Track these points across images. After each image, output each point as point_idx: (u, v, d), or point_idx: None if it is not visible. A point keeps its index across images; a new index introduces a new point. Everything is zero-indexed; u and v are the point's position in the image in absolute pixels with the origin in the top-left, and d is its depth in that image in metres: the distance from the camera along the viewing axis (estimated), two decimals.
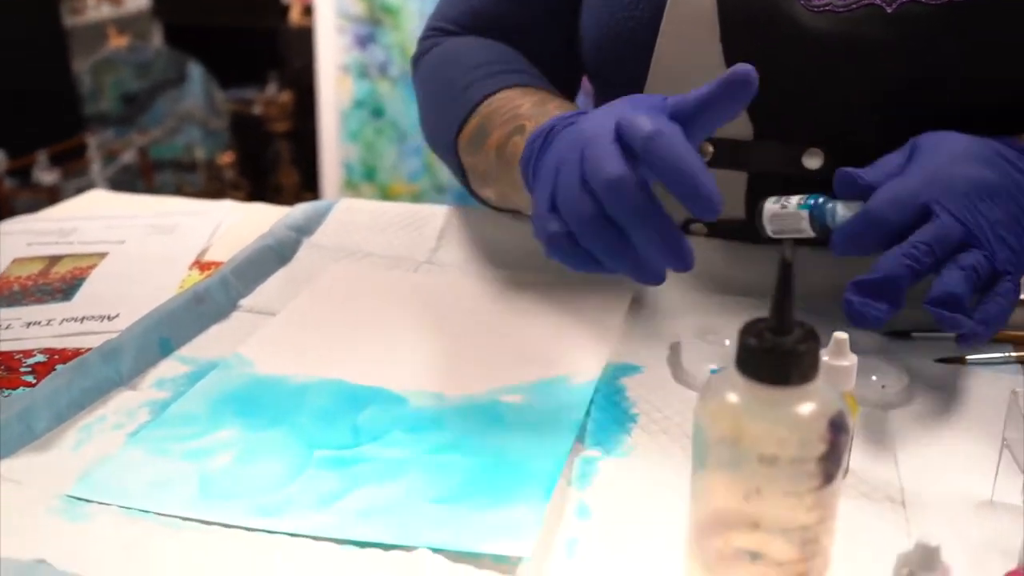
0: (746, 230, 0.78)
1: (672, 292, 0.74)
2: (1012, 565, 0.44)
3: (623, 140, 0.53)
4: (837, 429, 0.37)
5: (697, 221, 0.79)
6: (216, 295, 0.72)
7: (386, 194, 2.92)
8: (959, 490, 0.51)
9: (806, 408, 0.37)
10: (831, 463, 0.37)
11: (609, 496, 0.51)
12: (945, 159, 0.62)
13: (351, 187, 2.97)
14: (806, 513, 0.38)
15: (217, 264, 0.81)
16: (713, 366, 0.62)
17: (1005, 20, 0.67)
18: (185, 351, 0.66)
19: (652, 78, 0.75)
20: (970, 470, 0.53)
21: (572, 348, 0.66)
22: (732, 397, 0.38)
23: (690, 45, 0.72)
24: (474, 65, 0.79)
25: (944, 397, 0.60)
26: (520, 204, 0.73)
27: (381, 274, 0.78)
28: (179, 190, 3.21)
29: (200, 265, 0.81)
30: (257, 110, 3.32)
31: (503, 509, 0.49)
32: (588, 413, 0.58)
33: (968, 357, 0.65)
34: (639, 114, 0.53)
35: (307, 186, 3.21)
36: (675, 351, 0.65)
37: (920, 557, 0.36)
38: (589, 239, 0.53)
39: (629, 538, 0.48)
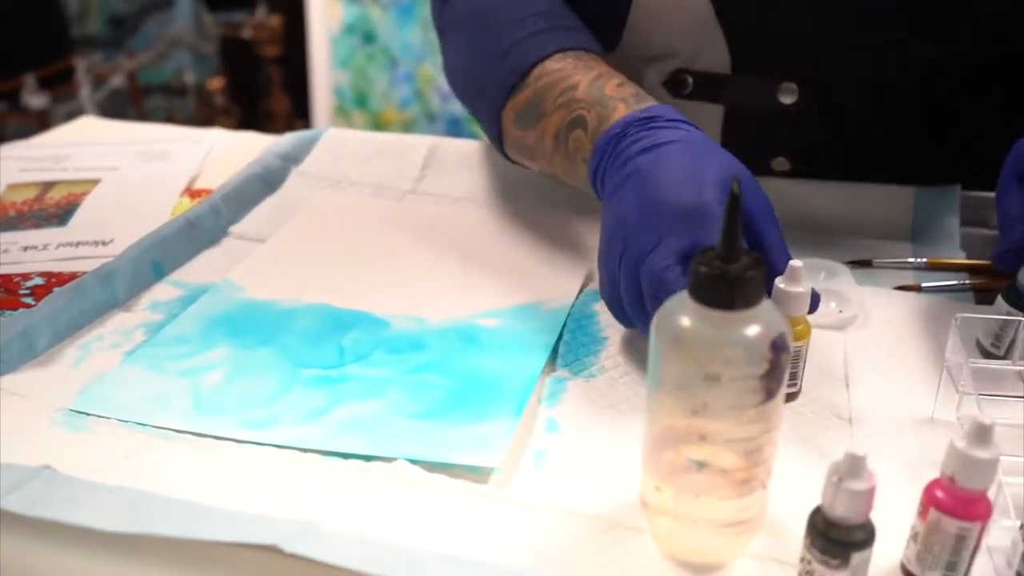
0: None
1: None
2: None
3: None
4: (778, 349, 0.40)
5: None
6: (207, 221, 0.75)
7: (377, 121, 2.91)
8: (903, 409, 0.55)
9: (749, 330, 0.40)
10: (772, 380, 0.40)
11: (576, 413, 0.55)
12: None
13: (342, 114, 2.97)
14: (749, 426, 0.41)
15: (207, 191, 0.83)
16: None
17: None
18: (177, 275, 0.69)
19: (634, 12, 0.76)
20: (915, 390, 0.56)
21: (549, 274, 0.69)
22: (683, 320, 0.41)
23: None
24: (519, 18, 0.72)
25: (898, 322, 0.64)
26: (574, 185, 0.69)
27: (366, 202, 0.81)
28: (169, 115, 3.19)
29: (191, 192, 0.84)
30: (247, 34, 3.28)
31: (476, 425, 0.53)
32: (561, 336, 0.62)
33: (924, 285, 0.68)
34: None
35: (299, 112, 3.20)
36: None
37: (848, 465, 0.39)
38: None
39: (592, 451, 0.52)
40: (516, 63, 0.70)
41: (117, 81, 3.08)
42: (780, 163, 0.79)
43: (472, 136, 2.84)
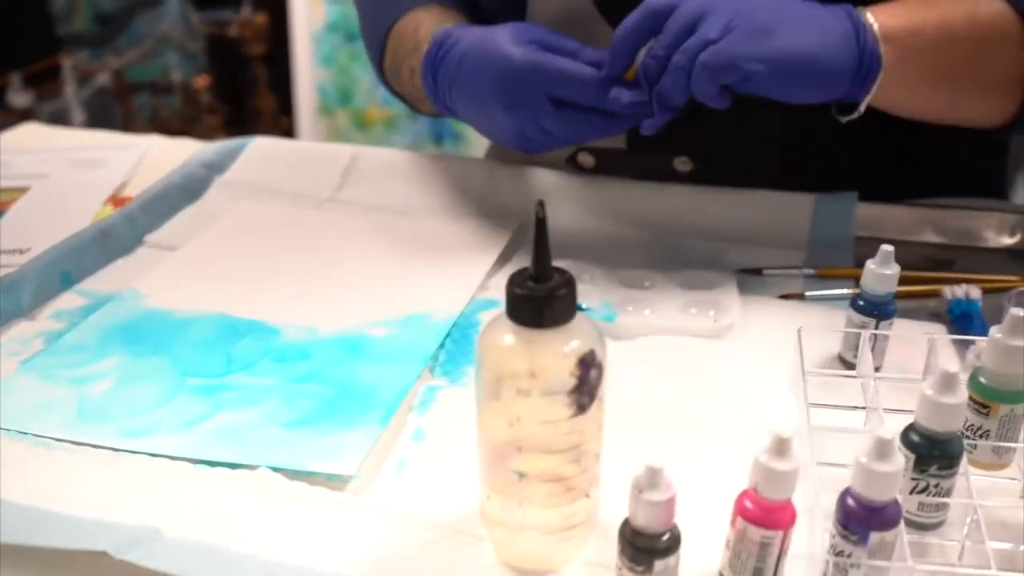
0: (631, 163, 0.83)
1: (557, 227, 0.79)
2: None
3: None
4: (587, 365, 0.42)
5: (584, 151, 0.83)
6: (121, 230, 0.77)
7: (361, 119, 2.93)
8: (760, 417, 0.57)
9: (557, 347, 0.42)
10: (583, 395, 0.42)
11: (443, 421, 0.57)
12: None
13: (326, 112, 2.99)
14: (563, 438, 0.43)
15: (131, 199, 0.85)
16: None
17: None
18: (85, 284, 0.72)
19: (531, 15, 0.78)
20: (775, 399, 0.58)
21: (442, 285, 0.71)
22: (498, 337, 0.43)
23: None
24: None
25: (775, 331, 0.65)
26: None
27: (282, 212, 0.83)
28: (155, 113, 3.22)
29: (115, 200, 0.86)
30: (233, 32, 3.30)
31: (341, 433, 0.55)
32: (443, 346, 0.64)
33: (807, 293, 0.70)
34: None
35: (285, 110, 3.22)
36: None
37: (647, 477, 0.41)
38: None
39: (452, 459, 0.54)
40: (381, 25, 0.83)
41: (103, 79, 3.10)
42: (682, 162, 0.81)
43: (455, 134, 2.84)
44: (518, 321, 0.42)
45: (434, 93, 0.73)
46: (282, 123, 3.17)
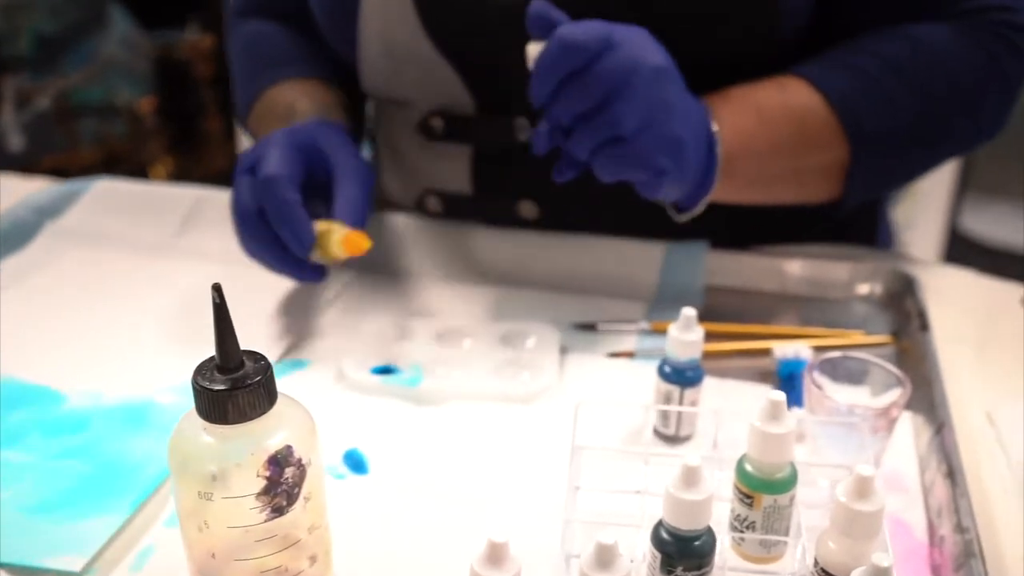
0: (477, 207, 0.79)
1: (397, 274, 0.75)
2: None
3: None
4: (279, 465, 0.38)
5: (431, 194, 0.80)
6: None
7: None
8: (540, 493, 0.53)
9: (241, 445, 0.38)
10: (277, 497, 0.38)
11: None
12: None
13: None
14: (258, 544, 0.39)
15: None
16: (374, 365, 0.63)
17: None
18: None
19: (362, 47, 0.74)
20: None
21: (251, 343, 0.66)
22: (182, 434, 0.39)
23: (390, 18, 0.72)
24: (270, 55, 0.83)
25: (592, 394, 0.62)
26: None
27: (113, 261, 0.78)
28: (100, 137, 3.17)
29: None
30: (181, 54, 3.26)
31: (83, 522, 0.50)
32: None
33: (638, 351, 0.66)
34: (270, 152, 0.65)
35: (233, 133, 3.18)
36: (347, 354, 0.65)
37: (489, 554, 0.37)
38: (251, 228, 0.65)
39: None
40: (250, 90, 0.81)
41: (44, 103, 3.05)
42: (527, 208, 0.77)
43: None
44: (204, 416, 0.38)
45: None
46: (230, 146, 3.12)
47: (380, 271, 0.76)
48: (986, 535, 0.48)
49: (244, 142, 3.01)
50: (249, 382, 0.38)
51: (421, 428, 0.59)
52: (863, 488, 0.39)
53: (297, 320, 0.70)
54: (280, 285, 0.73)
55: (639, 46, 0.58)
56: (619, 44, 0.57)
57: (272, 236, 0.63)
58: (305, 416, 0.40)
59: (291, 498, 0.39)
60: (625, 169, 0.59)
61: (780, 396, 0.43)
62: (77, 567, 0.47)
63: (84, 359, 0.65)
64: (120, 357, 0.66)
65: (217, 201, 0.85)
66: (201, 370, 0.38)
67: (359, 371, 0.62)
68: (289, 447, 0.38)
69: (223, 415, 0.38)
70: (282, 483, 0.38)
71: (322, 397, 0.61)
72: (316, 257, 0.64)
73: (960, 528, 0.48)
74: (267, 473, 0.38)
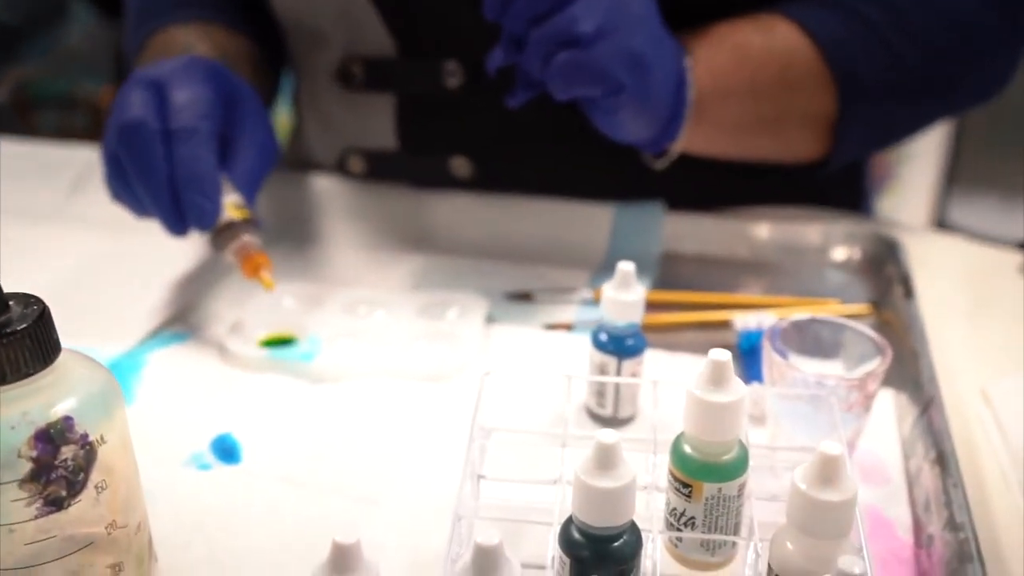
0: (404, 166, 0.70)
1: (315, 240, 0.66)
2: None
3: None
4: (50, 441, 0.29)
5: (354, 153, 0.71)
6: None
7: (280, 128, 2.79)
8: (439, 485, 0.44)
9: None
10: (51, 483, 0.29)
11: None
12: None
13: None
14: (31, 549, 0.29)
15: None
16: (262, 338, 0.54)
17: None
18: None
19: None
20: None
21: (128, 312, 0.57)
22: None
23: None
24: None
25: (525, 366, 0.53)
26: None
27: None
28: (62, 130, 3.06)
29: None
30: None
31: None
32: None
33: (576, 323, 0.57)
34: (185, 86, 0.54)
35: None
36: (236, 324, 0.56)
37: (334, 560, 0.28)
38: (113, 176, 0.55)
39: None
40: (141, 31, 0.69)
41: (2, 94, 2.95)
42: (460, 165, 0.68)
43: None
44: None
45: None
46: None
47: (295, 238, 0.66)
48: (984, 533, 0.39)
49: None
50: (10, 330, 0.28)
51: (312, 410, 0.49)
52: (829, 471, 0.30)
53: (188, 290, 0.60)
54: (177, 254, 0.64)
55: None
56: None
57: (160, 181, 0.52)
58: (101, 380, 0.31)
59: (74, 486, 0.29)
60: (578, 81, 0.50)
61: (724, 355, 0.34)
62: None
63: None
64: None
65: None
66: None
67: (245, 344, 0.53)
68: (68, 419, 0.29)
69: None
70: (57, 466, 0.29)
71: (198, 375, 0.52)
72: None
73: (953, 525, 0.39)
74: (34, 453, 0.28)
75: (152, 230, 0.65)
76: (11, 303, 0.29)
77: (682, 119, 0.56)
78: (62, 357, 0.30)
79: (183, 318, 0.57)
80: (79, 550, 0.30)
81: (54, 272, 0.63)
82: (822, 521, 0.30)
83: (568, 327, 0.57)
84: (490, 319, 0.57)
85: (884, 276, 0.61)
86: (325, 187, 0.70)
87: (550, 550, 0.35)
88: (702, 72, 0.57)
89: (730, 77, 0.58)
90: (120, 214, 0.71)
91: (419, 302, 0.58)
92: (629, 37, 0.50)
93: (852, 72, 0.59)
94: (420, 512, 0.42)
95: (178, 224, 0.53)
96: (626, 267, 0.46)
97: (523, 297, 0.60)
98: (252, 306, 0.57)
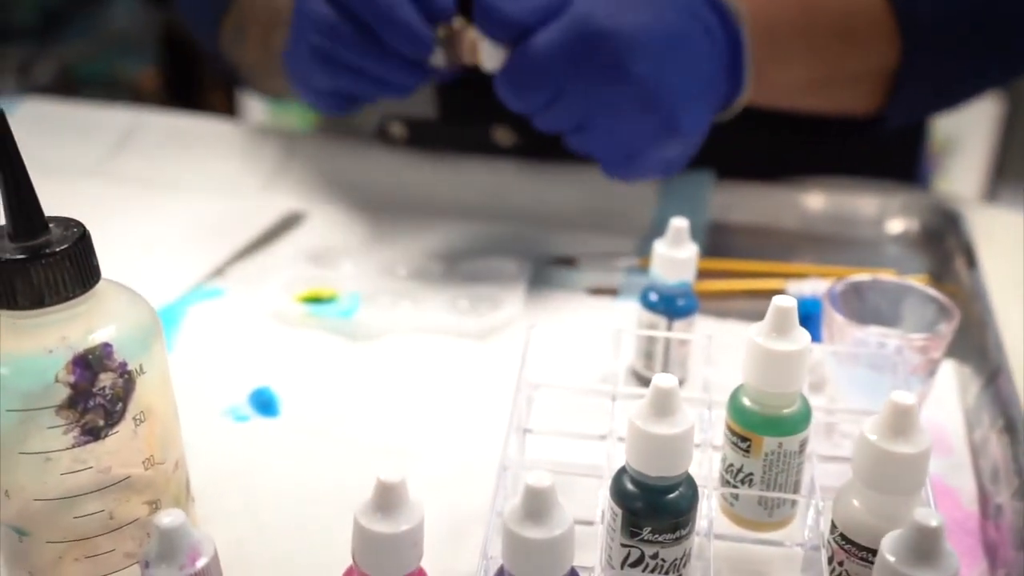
0: (446, 134, 0.69)
1: (354, 206, 0.65)
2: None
3: None
4: (88, 367, 0.28)
5: (395, 120, 0.69)
6: None
7: (309, 115, 2.80)
8: (478, 444, 0.42)
9: (28, 341, 0.27)
10: (88, 411, 0.28)
11: None
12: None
13: (276, 110, 2.86)
14: (67, 479, 0.28)
15: None
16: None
17: None
18: None
19: None
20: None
21: (168, 268, 0.56)
22: None
23: None
24: None
25: (565, 333, 0.51)
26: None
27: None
28: None
29: None
30: (184, 28, 3.18)
31: None
32: None
33: (622, 289, 0.55)
34: None
35: (236, 108, 3.10)
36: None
37: (160, 545, 0.27)
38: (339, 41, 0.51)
39: None
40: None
41: (46, 74, 2.98)
42: (503, 135, 0.67)
43: None
44: None
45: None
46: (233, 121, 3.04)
47: (336, 201, 0.65)
48: None
49: (249, 114, 2.93)
50: (49, 252, 0.27)
51: (350, 366, 0.48)
52: (902, 422, 0.28)
53: (227, 246, 0.59)
54: (214, 214, 0.63)
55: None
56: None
57: (365, 41, 0.50)
58: (140, 310, 0.30)
59: (112, 416, 0.28)
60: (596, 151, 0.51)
61: (789, 301, 0.32)
62: None
63: None
64: None
65: (154, 125, 0.75)
66: None
67: (283, 299, 0.52)
68: (107, 346, 0.28)
69: (11, 296, 0.27)
70: (95, 394, 0.28)
71: (235, 329, 0.51)
72: (437, 60, 0.52)
73: (1023, 494, 0.37)
74: (71, 379, 0.27)
75: (192, 187, 0.64)
76: (51, 225, 0.28)
77: (741, 80, 0.54)
78: (101, 285, 0.29)
79: (222, 273, 0.57)
80: (116, 484, 0.29)
81: (94, 227, 0.62)
82: (893, 475, 0.28)
83: (613, 292, 0.55)
84: (532, 282, 0.56)
85: (943, 249, 0.59)
86: (364, 154, 0.69)
87: (599, 504, 0.34)
88: (760, 25, 0.54)
89: (787, 26, 0.56)
90: (160, 173, 0.71)
91: (460, 263, 0.57)
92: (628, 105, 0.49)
93: (915, 18, 0.56)
94: (461, 466, 0.41)
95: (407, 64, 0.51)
96: (679, 223, 0.44)
97: (567, 262, 0.58)
98: (290, 262, 0.56)
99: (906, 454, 0.28)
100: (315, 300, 0.52)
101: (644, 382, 0.47)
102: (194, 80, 3.26)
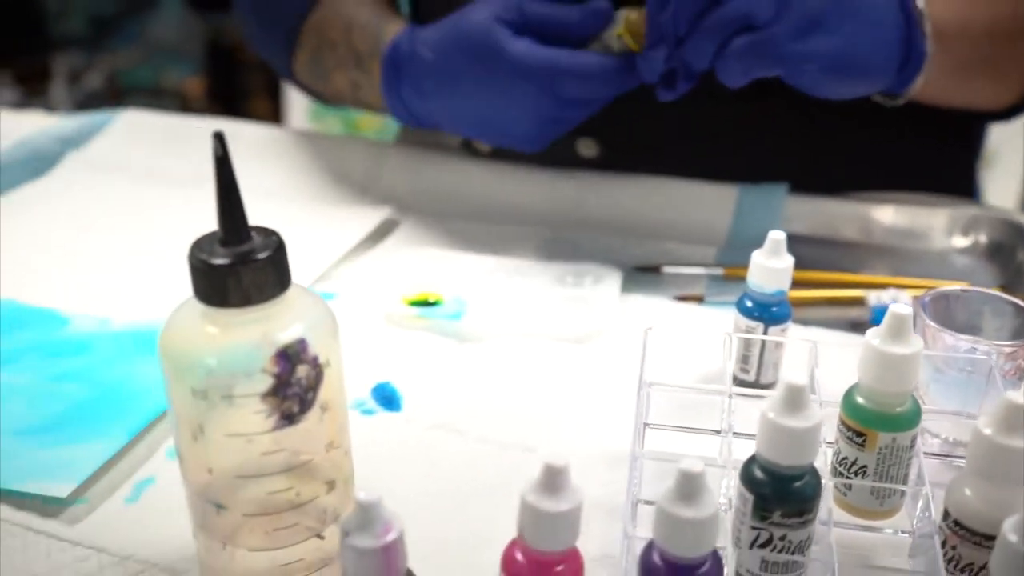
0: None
1: (444, 215, 0.68)
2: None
3: None
4: (289, 360, 0.31)
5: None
6: None
7: (353, 126, 2.85)
8: (599, 438, 0.46)
9: (244, 334, 0.31)
10: (286, 400, 0.31)
11: None
12: None
13: (318, 118, 2.91)
14: (265, 458, 0.32)
15: None
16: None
17: None
18: None
19: None
20: (621, 418, 0.46)
21: None
22: (178, 322, 0.32)
23: None
24: None
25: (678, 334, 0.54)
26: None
27: (131, 191, 0.72)
28: None
29: None
30: (230, 37, 3.24)
31: (74, 446, 0.44)
32: None
33: (708, 296, 0.58)
34: None
35: (280, 116, 3.15)
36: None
37: (359, 517, 0.30)
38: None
39: None
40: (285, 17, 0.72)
41: (95, 81, 3.05)
42: (587, 146, 0.70)
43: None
44: (201, 296, 0.31)
45: (398, 99, 0.63)
46: None
47: (427, 213, 0.69)
48: None
49: (291, 122, 2.98)
50: (256, 257, 0.31)
51: (461, 365, 0.52)
52: (1015, 418, 0.31)
53: (332, 252, 0.63)
54: (314, 219, 0.67)
55: None
56: None
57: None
58: (323, 310, 0.33)
59: (304, 404, 0.32)
60: (758, 66, 0.51)
61: (905, 308, 0.35)
62: (63, 493, 0.41)
63: (93, 285, 0.59)
64: (133, 285, 0.59)
65: (250, 136, 0.79)
66: (200, 244, 0.32)
67: (393, 302, 0.56)
68: (303, 341, 0.31)
69: (223, 296, 0.31)
70: (293, 383, 0.31)
71: (350, 329, 0.54)
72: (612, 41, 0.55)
73: None
74: (275, 369, 0.31)
75: (287, 194, 0.67)
76: (254, 234, 0.32)
77: (919, 61, 0.56)
78: (291, 287, 0.33)
79: (330, 276, 0.60)
80: (302, 465, 0.33)
81: (197, 233, 0.66)
82: (1007, 467, 0.32)
83: (699, 299, 0.58)
84: (622, 290, 0.59)
85: (1014, 261, 0.62)
86: (452, 166, 0.73)
87: (721, 494, 0.37)
88: (938, 7, 0.56)
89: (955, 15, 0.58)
90: (258, 181, 0.74)
91: (554, 270, 0.60)
92: (804, 6, 0.50)
93: None
94: (577, 460, 0.44)
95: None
96: (777, 235, 0.47)
97: (651, 270, 0.62)
98: (394, 267, 0.60)
99: (1019, 448, 0.31)
100: (423, 303, 0.56)
101: (740, 384, 0.50)
102: (237, 87, 3.32)
